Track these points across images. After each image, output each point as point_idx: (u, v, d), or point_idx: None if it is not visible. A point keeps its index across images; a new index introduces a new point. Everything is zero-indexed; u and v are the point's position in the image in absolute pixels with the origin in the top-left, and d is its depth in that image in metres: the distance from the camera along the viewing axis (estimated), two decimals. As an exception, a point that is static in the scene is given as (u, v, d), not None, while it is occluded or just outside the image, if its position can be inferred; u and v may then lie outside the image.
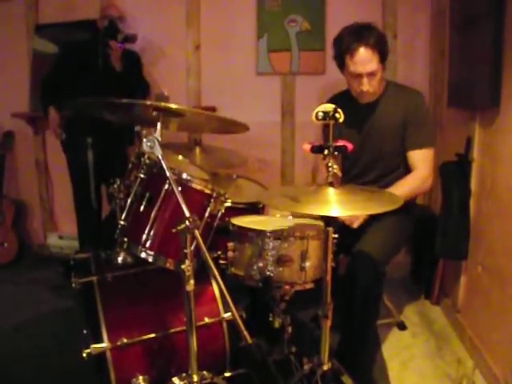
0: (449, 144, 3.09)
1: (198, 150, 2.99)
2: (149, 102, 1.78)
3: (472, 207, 2.67)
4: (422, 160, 2.50)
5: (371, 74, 2.40)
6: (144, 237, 1.83)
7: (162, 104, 1.70)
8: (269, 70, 3.79)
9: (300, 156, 3.84)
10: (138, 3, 3.86)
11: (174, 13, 3.83)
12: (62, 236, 4.30)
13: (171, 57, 3.89)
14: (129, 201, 1.86)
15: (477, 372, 2.41)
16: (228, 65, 3.85)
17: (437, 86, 3.46)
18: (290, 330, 2.12)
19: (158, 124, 1.72)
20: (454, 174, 2.76)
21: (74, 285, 2.07)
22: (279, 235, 1.94)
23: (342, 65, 2.48)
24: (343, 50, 2.41)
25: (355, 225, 2.40)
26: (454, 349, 2.68)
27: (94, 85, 3.19)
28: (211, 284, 2.17)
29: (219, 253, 2.10)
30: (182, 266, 1.59)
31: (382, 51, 2.41)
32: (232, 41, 3.83)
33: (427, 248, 3.16)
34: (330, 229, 1.76)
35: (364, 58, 2.36)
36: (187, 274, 1.60)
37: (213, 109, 3.76)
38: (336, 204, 1.65)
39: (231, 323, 2.08)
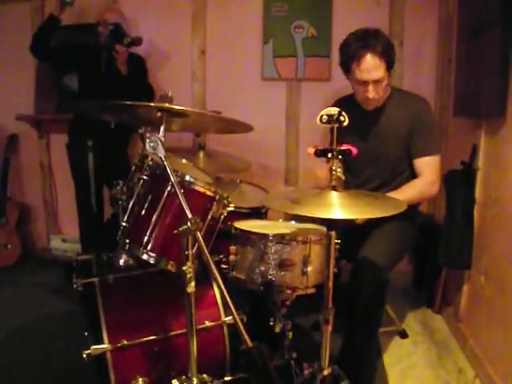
0: (454, 152, 3.08)
1: (201, 154, 2.99)
2: (153, 104, 1.78)
3: (476, 216, 2.66)
4: (428, 166, 2.49)
5: (377, 82, 2.39)
6: (146, 238, 1.82)
7: (166, 105, 1.70)
8: (274, 75, 3.79)
9: (304, 162, 3.83)
10: (144, 7, 3.88)
11: (180, 17, 3.85)
12: (66, 239, 4.30)
13: (176, 61, 3.90)
14: (131, 202, 1.86)
15: (478, 382, 2.40)
16: (233, 70, 3.85)
17: (443, 94, 3.45)
18: (290, 335, 2.12)
19: (162, 125, 1.72)
20: (458, 183, 2.74)
21: (75, 286, 2.06)
22: (281, 239, 1.93)
23: (347, 71, 2.46)
24: (350, 57, 2.39)
25: (358, 220, 2.38)
26: (455, 358, 2.66)
27: (98, 88, 3.20)
28: (212, 287, 2.16)
29: (221, 256, 2.10)
30: (184, 268, 1.59)
31: (389, 58, 2.39)
32: (238, 46, 3.83)
33: (430, 257, 3.15)
34: (333, 233, 1.75)
35: (370, 66, 2.34)
36: (188, 276, 1.59)
37: (217, 113, 3.75)
38: (339, 207, 1.65)
39: (232, 327, 2.07)
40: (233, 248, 2.02)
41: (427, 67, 3.63)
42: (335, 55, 2.55)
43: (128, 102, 1.72)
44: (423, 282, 3.46)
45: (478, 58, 2.63)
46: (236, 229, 2.04)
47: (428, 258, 3.29)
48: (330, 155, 1.70)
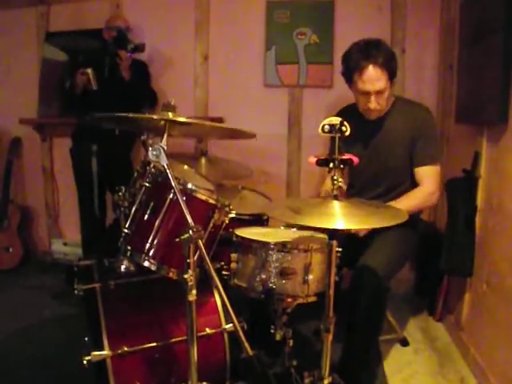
0: (456, 160, 3.07)
1: (203, 160, 2.99)
2: (155, 117, 1.78)
3: (478, 224, 2.65)
4: (429, 176, 2.50)
5: (379, 92, 2.39)
6: (147, 245, 1.83)
7: (170, 116, 1.71)
8: (276, 82, 3.79)
9: (306, 169, 3.83)
10: (147, 14, 3.90)
11: (183, 23, 3.86)
12: (67, 242, 4.31)
13: (179, 67, 3.92)
14: (133, 209, 1.86)
15: (480, 391, 2.39)
16: (236, 76, 3.86)
17: (445, 101, 3.44)
18: (291, 343, 2.11)
19: (165, 134, 1.72)
20: (460, 190, 2.74)
21: (76, 291, 2.07)
22: (283, 247, 1.93)
23: (350, 81, 2.47)
24: (352, 68, 2.40)
25: (361, 233, 2.41)
26: (456, 367, 2.65)
27: (101, 94, 3.21)
28: (213, 295, 2.17)
29: (222, 263, 2.10)
30: (185, 276, 1.59)
31: (391, 69, 2.40)
32: (240, 52, 3.84)
33: (432, 264, 3.14)
34: (334, 242, 1.75)
35: (372, 77, 2.35)
36: (190, 283, 1.60)
37: (220, 119, 3.77)
38: (340, 217, 1.64)
39: (232, 334, 2.07)
40: (234, 256, 2.02)
41: (429, 74, 3.63)
42: (337, 62, 2.55)
43: (130, 115, 1.73)
44: (425, 289, 3.45)
45: (480, 65, 2.62)
46: (237, 236, 2.04)
47: (429, 266, 3.27)
48: (331, 165, 1.71)
